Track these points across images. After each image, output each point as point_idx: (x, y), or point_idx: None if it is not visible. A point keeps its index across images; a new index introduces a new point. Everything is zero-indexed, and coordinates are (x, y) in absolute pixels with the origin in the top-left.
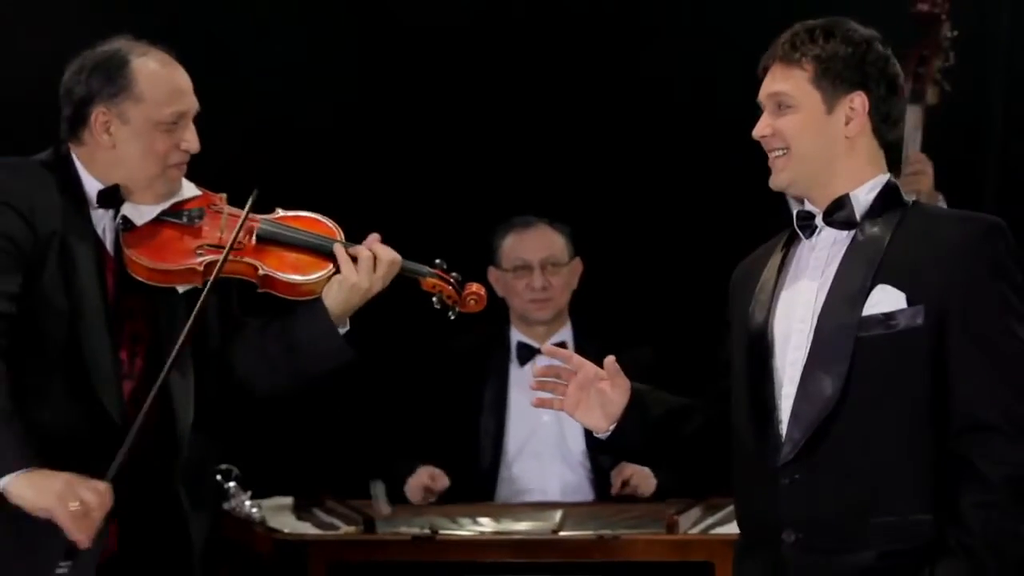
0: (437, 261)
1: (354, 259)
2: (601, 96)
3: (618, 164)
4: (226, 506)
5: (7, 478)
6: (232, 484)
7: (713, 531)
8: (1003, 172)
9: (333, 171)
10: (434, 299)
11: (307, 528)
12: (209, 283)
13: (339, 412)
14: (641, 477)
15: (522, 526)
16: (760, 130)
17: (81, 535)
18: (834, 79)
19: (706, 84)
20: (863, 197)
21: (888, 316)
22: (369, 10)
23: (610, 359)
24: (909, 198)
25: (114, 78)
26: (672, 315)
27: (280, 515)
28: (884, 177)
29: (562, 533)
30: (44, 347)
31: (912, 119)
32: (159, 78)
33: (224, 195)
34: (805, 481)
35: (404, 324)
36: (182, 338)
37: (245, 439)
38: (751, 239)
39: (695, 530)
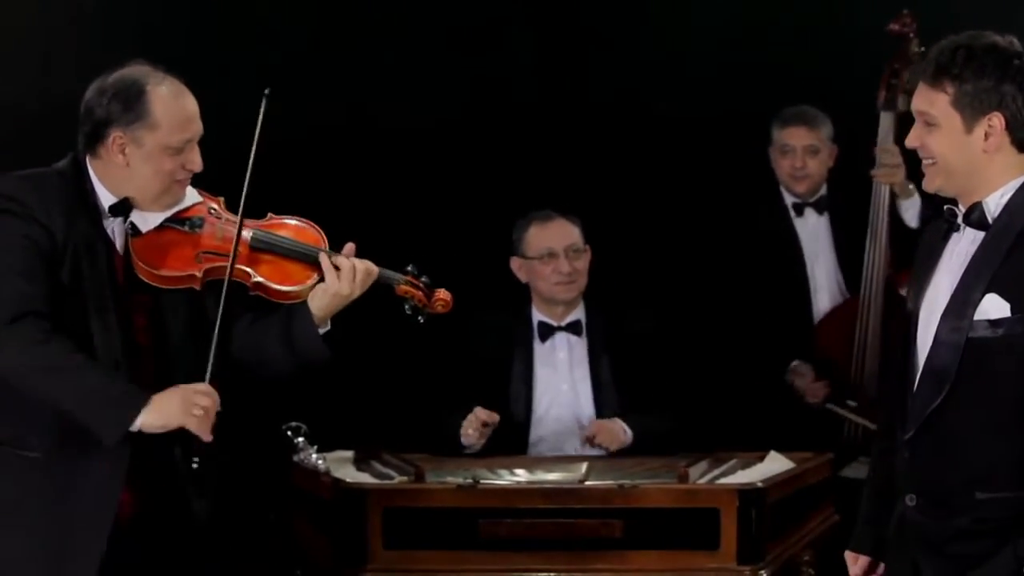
0: (409, 268)
1: (336, 269)
2: (588, 101)
3: (609, 164)
4: (296, 459)
5: (141, 415)
6: (301, 440)
7: (718, 481)
8: None
9: (342, 179)
10: (406, 305)
11: (366, 478)
12: (224, 295)
13: (396, 379)
14: (608, 436)
15: (552, 476)
16: (911, 142)
17: (206, 433)
18: (972, 103)
19: (680, 92)
20: (994, 203)
21: (993, 322)
22: (372, 16)
23: None
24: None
25: (132, 106)
26: (668, 295)
27: (342, 466)
28: (1018, 181)
29: (587, 482)
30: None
31: (886, 123)
32: (172, 107)
33: (222, 199)
34: (921, 456)
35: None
36: (212, 343)
37: (313, 400)
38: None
39: (703, 480)
